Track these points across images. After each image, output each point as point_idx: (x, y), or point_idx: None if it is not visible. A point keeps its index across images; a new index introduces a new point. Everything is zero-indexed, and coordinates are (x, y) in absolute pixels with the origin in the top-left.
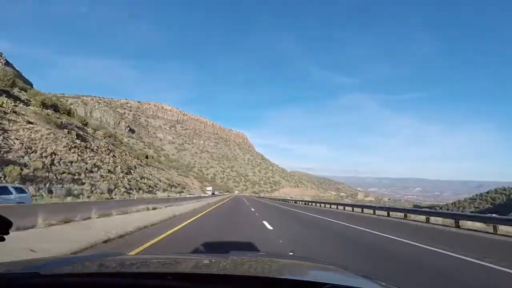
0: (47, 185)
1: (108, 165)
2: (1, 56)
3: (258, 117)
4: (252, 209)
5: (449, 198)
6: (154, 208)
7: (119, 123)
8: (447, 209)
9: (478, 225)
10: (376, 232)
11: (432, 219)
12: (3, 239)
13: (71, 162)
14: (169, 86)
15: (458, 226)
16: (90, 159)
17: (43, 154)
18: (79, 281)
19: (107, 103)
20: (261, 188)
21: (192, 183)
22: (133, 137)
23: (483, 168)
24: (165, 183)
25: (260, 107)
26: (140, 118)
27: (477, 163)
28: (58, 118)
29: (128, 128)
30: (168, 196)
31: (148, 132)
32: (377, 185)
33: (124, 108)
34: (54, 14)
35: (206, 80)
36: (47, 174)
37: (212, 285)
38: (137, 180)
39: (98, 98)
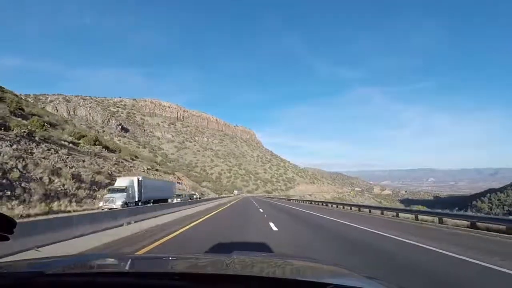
0: None
1: None
2: None
3: (264, 116)
4: None
5: (465, 187)
6: None
7: (108, 121)
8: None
9: None
10: None
11: None
12: (8, 239)
13: None
14: (176, 90)
15: None
16: None
17: None
18: (82, 280)
19: (98, 102)
20: (274, 186)
21: (178, 182)
22: (125, 136)
23: (497, 154)
24: (83, 181)
25: (266, 106)
26: (135, 117)
27: (490, 150)
28: None
29: (121, 127)
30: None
31: (144, 131)
32: (388, 177)
33: (118, 107)
34: (62, 26)
35: (211, 81)
36: None
37: (215, 285)
38: None
39: (89, 97)
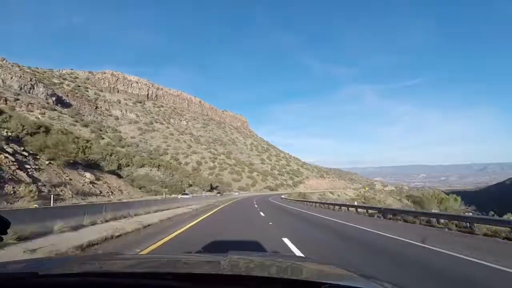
0: None
1: None
2: None
3: (255, 115)
4: None
5: (457, 182)
6: None
7: (33, 88)
8: None
9: None
10: None
11: None
12: (1, 239)
13: None
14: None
15: None
16: None
17: None
18: (77, 281)
19: (39, 73)
20: (277, 181)
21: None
22: (56, 110)
23: (485, 150)
24: None
25: (258, 104)
26: (87, 91)
27: (479, 146)
28: None
29: (56, 99)
30: None
31: (97, 108)
32: (380, 174)
33: (64, 79)
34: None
35: (206, 80)
36: None
37: (211, 284)
38: None
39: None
